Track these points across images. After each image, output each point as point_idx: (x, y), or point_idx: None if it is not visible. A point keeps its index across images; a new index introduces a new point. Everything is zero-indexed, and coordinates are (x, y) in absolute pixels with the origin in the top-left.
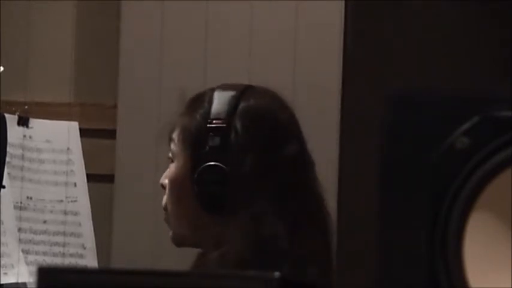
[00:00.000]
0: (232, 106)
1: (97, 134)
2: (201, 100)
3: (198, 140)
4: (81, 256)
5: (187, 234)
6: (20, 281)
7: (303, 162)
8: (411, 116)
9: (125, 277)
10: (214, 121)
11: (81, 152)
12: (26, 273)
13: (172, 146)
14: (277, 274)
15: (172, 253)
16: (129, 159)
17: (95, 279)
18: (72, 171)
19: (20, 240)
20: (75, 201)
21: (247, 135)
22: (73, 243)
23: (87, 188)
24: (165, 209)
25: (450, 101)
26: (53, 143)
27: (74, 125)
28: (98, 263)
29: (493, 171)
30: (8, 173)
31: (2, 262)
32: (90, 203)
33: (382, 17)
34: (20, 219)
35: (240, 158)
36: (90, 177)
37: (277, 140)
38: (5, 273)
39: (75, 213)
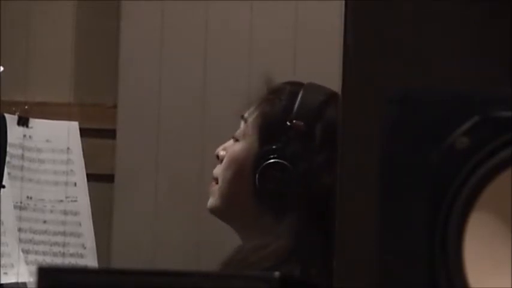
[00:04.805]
0: (316, 113)
1: (97, 134)
2: (287, 93)
3: (274, 132)
4: (81, 256)
5: (226, 210)
6: (20, 280)
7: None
8: (411, 116)
9: (125, 277)
10: (295, 121)
11: (81, 152)
12: (26, 273)
13: (243, 125)
14: (277, 274)
15: (172, 253)
16: (129, 159)
17: (95, 279)
18: (72, 171)
19: (20, 240)
20: (75, 201)
21: (321, 147)
22: (73, 243)
23: (87, 188)
24: (215, 180)
25: (450, 101)
26: (53, 143)
27: (74, 125)
28: (98, 263)
29: (493, 171)
30: (8, 173)
31: (2, 262)
32: (90, 203)
33: (382, 17)
34: (20, 219)
35: (308, 165)
36: (90, 177)
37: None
38: (5, 273)
39: (75, 213)
